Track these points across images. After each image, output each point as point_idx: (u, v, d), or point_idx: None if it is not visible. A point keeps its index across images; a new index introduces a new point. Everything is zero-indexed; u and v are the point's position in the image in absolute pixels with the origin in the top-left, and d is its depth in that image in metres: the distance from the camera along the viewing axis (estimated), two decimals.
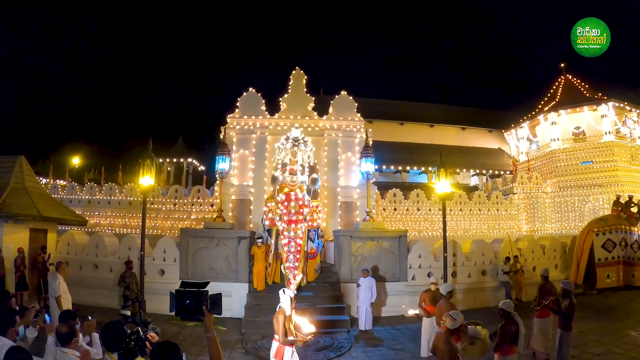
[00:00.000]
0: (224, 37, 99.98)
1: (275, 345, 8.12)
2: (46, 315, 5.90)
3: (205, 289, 4.03)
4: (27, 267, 15.61)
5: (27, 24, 75.86)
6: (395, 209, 25.38)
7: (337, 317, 14.26)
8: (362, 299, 13.98)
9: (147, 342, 4.63)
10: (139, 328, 4.80)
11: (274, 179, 15.24)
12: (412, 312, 13.61)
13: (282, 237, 14.55)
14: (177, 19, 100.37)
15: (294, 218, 14.44)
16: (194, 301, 3.92)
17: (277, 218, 14.56)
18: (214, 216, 17.82)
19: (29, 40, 79.69)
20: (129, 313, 5.88)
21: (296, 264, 14.28)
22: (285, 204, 14.51)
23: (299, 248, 14.40)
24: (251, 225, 20.32)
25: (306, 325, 8.60)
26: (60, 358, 4.95)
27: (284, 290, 8.38)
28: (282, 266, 14.71)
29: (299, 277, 14.47)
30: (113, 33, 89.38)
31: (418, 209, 25.74)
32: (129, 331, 4.66)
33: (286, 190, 14.86)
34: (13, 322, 5.44)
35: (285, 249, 14.37)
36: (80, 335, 5.61)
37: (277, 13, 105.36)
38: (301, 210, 14.48)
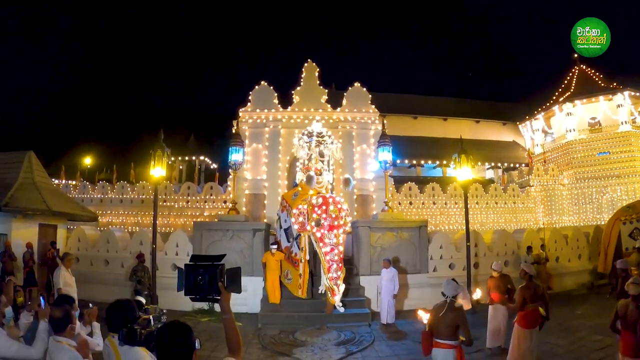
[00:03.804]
0: (234, 33, 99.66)
1: (453, 354, 6.48)
2: (41, 299, 5.35)
3: (221, 262, 3.31)
4: (36, 263, 15.28)
5: (35, 23, 75.88)
6: (410, 203, 24.84)
7: (357, 311, 13.82)
8: (384, 291, 13.44)
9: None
10: (151, 317, 4.31)
11: (309, 179, 14.16)
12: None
13: (322, 244, 13.07)
14: (187, 15, 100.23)
15: (336, 223, 13.15)
16: (207, 277, 3.22)
17: (313, 223, 13.08)
18: (228, 209, 17.36)
19: (38, 40, 79.71)
20: (144, 301, 5.32)
21: (339, 273, 13.11)
22: (324, 207, 13.16)
23: (341, 256, 13.34)
24: (265, 220, 19.76)
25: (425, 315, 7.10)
26: (54, 348, 4.39)
27: (457, 282, 6.98)
28: (323, 277, 13.33)
29: (342, 287, 13.23)
30: (122, 30, 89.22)
31: (434, 203, 25.20)
32: (139, 316, 4.14)
33: (311, 192, 13.94)
34: None
35: (328, 257, 13.02)
36: (79, 323, 5.09)
37: (287, 8, 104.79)
38: (340, 214, 13.28)
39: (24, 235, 15.58)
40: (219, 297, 3.22)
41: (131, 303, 4.35)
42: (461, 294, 6.93)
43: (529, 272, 8.62)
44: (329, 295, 13.00)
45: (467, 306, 6.98)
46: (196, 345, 2.99)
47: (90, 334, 5.18)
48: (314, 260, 13.87)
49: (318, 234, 13.11)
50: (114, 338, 4.09)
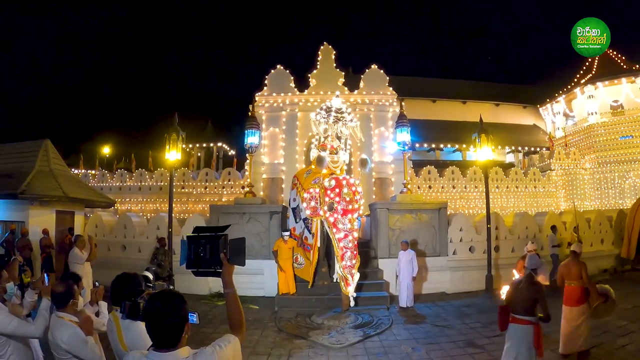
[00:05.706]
0: (251, 18, 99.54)
1: (530, 330, 6.24)
2: (45, 276, 5.23)
3: (225, 232, 3.08)
4: (53, 249, 15.35)
5: (50, 12, 76.34)
6: (430, 187, 24.63)
7: (375, 294, 13.61)
8: (402, 274, 13.16)
9: None
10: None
11: (320, 160, 12.97)
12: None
13: (335, 230, 12.08)
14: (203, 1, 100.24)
15: (350, 207, 12.14)
16: (209, 248, 3.01)
17: (326, 207, 12.09)
18: (245, 193, 17.17)
19: (53, 30, 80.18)
20: (151, 276, 5.18)
21: (353, 261, 12.07)
22: (337, 190, 12.12)
23: (356, 242, 12.29)
24: (283, 204, 19.65)
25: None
26: (55, 324, 4.29)
27: (539, 257, 6.98)
28: (336, 265, 12.34)
29: (357, 276, 12.17)
30: (139, 17, 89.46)
31: (453, 187, 24.96)
32: (144, 290, 4.07)
33: (324, 172, 12.86)
34: None
35: (341, 244, 12.03)
36: (81, 298, 4.97)
37: None
38: (355, 197, 12.28)
39: (41, 222, 15.67)
40: (220, 270, 3.03)
41: (137, 277, 4.28)
42: (541, 269, 6.74)
43: (575, 250, 8.49)
44: (343, 285, 12.10)
45: (544, 282, 6.77)
46: (192, 319, 2.81)
47: (97, 314, 5.04)
48: (328, 246, 13.20)
49: (331, 219, 12.18)
50: (117, 312, 3.99)
